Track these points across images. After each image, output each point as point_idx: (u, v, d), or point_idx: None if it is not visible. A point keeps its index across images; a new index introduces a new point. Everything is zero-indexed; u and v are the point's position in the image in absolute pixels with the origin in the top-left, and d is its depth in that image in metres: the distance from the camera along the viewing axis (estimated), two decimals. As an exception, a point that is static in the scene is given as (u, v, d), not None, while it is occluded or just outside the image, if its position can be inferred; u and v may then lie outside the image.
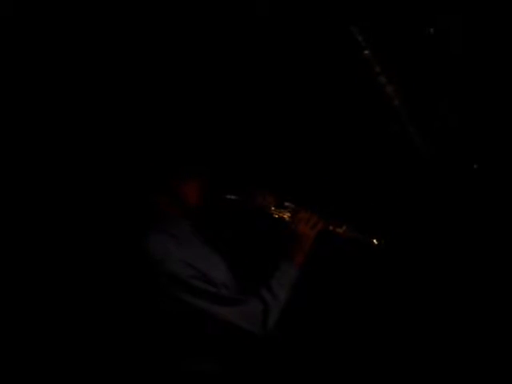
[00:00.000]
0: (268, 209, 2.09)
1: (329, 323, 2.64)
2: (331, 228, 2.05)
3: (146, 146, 2.02)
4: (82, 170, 2.62)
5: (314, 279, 2.38)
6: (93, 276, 2.53)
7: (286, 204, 2.09)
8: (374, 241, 2.04)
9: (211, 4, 2.70)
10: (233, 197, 2.09)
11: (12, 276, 2.55)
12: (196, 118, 2.46)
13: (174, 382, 1.95)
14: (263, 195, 2.10)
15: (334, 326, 2.64)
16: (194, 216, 2.04)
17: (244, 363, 2.06)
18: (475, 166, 2.92)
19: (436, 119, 3.35)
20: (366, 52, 3.24)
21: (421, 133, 3.21)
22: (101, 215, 2.56)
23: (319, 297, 2.61)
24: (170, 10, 2.66)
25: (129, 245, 1.93)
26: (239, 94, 2.76)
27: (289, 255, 2.01)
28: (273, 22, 2.84)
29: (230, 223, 2.23)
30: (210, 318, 1.86)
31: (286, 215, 2.07)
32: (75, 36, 2.57)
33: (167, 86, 2.66)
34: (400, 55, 3.29)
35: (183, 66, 2.69)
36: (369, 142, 2.91)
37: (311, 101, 2.87)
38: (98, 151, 2.60)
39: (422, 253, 2.62)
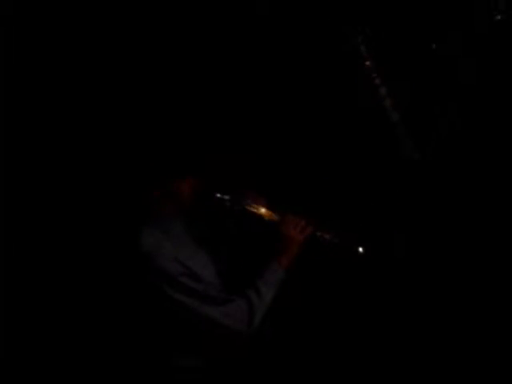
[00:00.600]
0: (258, 211, 2.11)
1: (317, 323, 2.65)
2: (319, 234, 2.07)
3: (143, 144, 2.04)
4: (79, 166, 2.63)
5: (305, 280, 2.41)
6: (86, 269, 2.54)
7: (276, 207, 2.11)
8: (360, 249, 2.06)
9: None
10: (224, 197, 2.11)
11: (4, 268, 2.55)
12: (192, 117, 2.48)
13: (161, 376, 1.97)
14: (254, 197, 2.12)
15: (321, 326, 2.66)
16: (186, 214, 2.07)
17: (230, 360, 2.08)
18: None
19: (433, 133, 3.38)
20: (368, 63, 3.27)
21: (416, 146, 3.24)
22: (96, 210, 2.58)
23: (309, 297, 2.63)
24: (166, 8, 2.68)
25: (122, 239, 1.96)
26: (237, 95, 2.77)
27: (276, 257, 2.03)
28: (273, 26, 2.87)
29: (221, 223, 2.25)
30: (197, 316, 1.88)
31: (276, 218, 2.09)
32: (70, 35, 2.59)
33: (163, 84, 2.68)
34: (401, 69, 3.32)
35: (178, 64, 2.71)
36: (362, 150, 2.93)
37: (308, 106, 2.89)
38: (94, 148, 2.62)
39: (413, 257, 2.64)
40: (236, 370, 2.09)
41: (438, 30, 3.47)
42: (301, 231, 2.05)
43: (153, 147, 2.01)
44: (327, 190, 2.74)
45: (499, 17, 3.75)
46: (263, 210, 2.10)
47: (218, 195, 2.10)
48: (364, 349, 2.62)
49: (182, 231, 2.03)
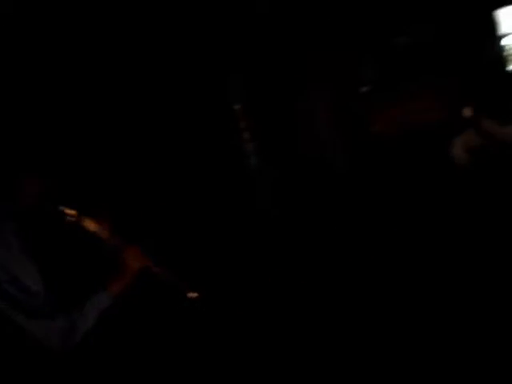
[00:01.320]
0: (100, 234, 2.08)
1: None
2: (154, 269, 2.08)
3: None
4: None
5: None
6: None
7: (118, 234, 2.10)
8: (191, 294, 2.09)
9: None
10: (68, 212, 2.06)
11: None
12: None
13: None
14: (99, 219, 2.09)
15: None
16: (22, 216, 1.97)
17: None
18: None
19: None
20: (237, 107, 3.38)
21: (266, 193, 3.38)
22: None
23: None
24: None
25: None
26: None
27: (108, 283, 2.02)
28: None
29: (58, 235, 2.19)
30: (16, 326, 1.82)
31: (116, 244, 2.08)
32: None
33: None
34: (268, 119, 3.47)
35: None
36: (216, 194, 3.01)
37: (170, 144, 2.92)
38: None
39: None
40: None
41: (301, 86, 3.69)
42: (139, 263, 2.06)
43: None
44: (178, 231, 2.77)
45: (365, 88, 4.05)
46: (106, 235, 2.08)
47: (62, 208, 2.05)
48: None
49: (10, 235, 1.90)
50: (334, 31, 3.90)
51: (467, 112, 2.96)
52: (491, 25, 4.56)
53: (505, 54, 4.64)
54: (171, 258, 2.17)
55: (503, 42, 4.68)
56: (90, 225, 2.08)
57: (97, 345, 2.09)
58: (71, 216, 2.05)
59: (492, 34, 4.55)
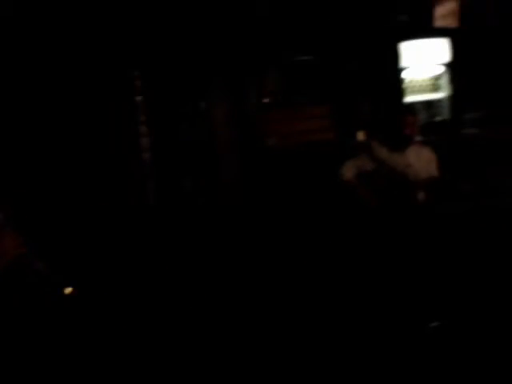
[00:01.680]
0: None
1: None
2: (30, 259, 1.98)
3: None
4: None
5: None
6: None
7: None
8: (66, 289, 2.00)
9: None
10: None
11: None
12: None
13: None
14: None
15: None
16: None
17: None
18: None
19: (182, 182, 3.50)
20: (139, 98, 3.31)
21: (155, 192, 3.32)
22: None
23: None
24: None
25: None
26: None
27: None
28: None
29: None
30: None
31: None
32: None
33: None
34: (168, 117, 3.43)
35: None
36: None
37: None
38: None
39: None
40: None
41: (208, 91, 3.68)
42: (13, 250, 1.94)
43: None
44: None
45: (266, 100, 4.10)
46: None
47: None
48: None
49: None
50: (240, 41, 3.93)
51: (360, 136, 3.06)
52: (393, 56, 4.76)
53: (402, 85, 4.88)
54: (51, 250, 2.08)
55: (402, 74, 4.92)
56: None
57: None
58: None
59: (392, 66, 4.76)
